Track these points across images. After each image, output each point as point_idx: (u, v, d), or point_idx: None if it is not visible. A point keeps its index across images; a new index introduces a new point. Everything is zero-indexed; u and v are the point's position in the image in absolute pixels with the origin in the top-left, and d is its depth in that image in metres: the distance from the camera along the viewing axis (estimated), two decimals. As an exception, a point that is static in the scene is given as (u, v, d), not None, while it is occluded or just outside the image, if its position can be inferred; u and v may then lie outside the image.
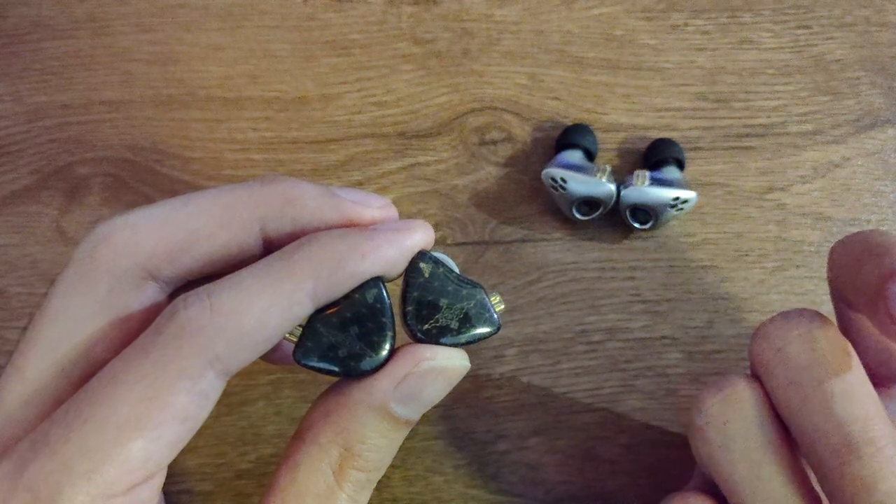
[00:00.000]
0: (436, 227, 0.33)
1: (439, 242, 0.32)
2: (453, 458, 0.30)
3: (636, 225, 0.32)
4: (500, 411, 0.30)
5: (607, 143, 0.34)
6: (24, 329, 0.17)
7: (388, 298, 0.18)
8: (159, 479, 0.17)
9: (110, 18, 0.36)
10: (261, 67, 0.35)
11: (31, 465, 0.15)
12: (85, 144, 0.34)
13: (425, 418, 0.30)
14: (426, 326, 0.19)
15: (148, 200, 0.33)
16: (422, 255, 0.19)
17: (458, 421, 0.30)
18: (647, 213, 0.31)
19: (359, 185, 0.33)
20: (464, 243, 0.33)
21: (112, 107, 0.34)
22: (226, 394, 0.30)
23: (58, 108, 0.34)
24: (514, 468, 0.30)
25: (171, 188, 0.33)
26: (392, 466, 0.29)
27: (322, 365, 0.18)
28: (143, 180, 0.33)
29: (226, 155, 0.34)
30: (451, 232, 0.33)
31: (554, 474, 0.30)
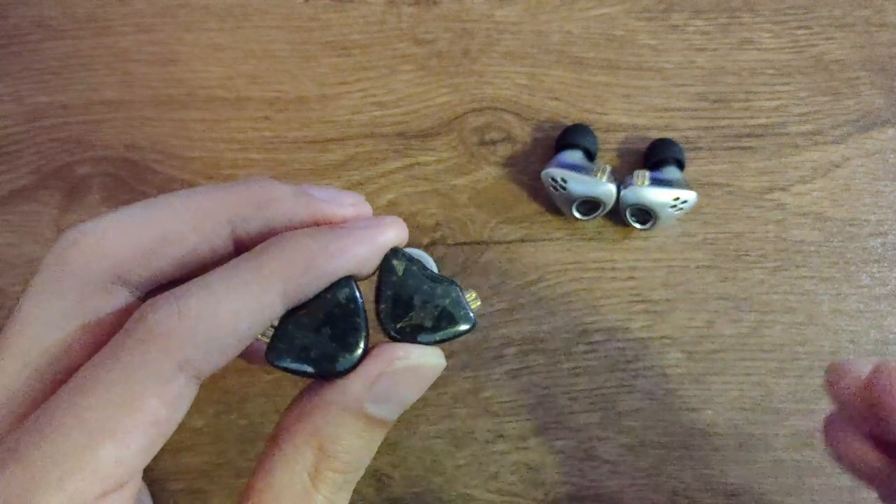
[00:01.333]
0: (436, 226, 0.33)
1: (438, 242, 0.32)
2: (453, 457, 0.30)
3: (636, 225, 0.31)
4: (500, 411, 0.30)
5: (607, 143, 0.34)
6: None
7: (361, 297, 0.18)
8: (133, 487, 0.16)
9: (111, 19, 0.36)
10: (261, 68, 0.35)
11: (3, 473, 0.15)
12: (84, 144, 0.34)
13: (425, 418, 0.29)
14: (400, 325, 0.19)
15: (148, 200, 0.33)
16: (395, 253, 0.19)
17: (458, 421, 0.30)
18: (647, 213, 0.31)
19: (358, 185, 0.33)
20: (464, 243, 0.32)
21: (112, 107, 0.34)
22: (225, 392, 0.30)
23: (58, 107, 0.34)
24: (514, 468, 0.30)
25: (170, 188, 0.33)
26: (392, 466, 0.29)
27: (295, 366, 0.18)
28: (142, 180, 0.33)
29: (225, 155, 0.34)
30: (451, 232, 0.33)
31: (553, 474, 0.30)
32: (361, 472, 0.19)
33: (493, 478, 0.29)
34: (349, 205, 0.20)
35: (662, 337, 0.31)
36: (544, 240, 0.33)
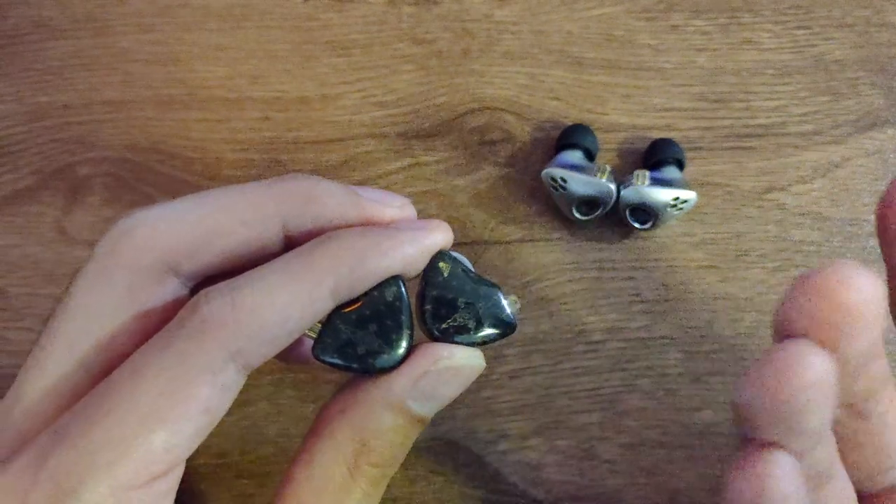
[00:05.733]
0: (436, 227, 0.33)
1: (439, 242, 0.33)
2: (454, 457, 0.30)
3: (636, 225, 0.32)
4: (501, 411, 0.30)
5: (607, 143, 0.34)
6: (45, 322, 0.18)
7: (407, 297, 0.19)
8: (178, 473, 0.17)
9: (111, 18, 0.36)
10: (261, 68, 0.35)
11: (52, 457, 0.15)
12: (86, 144, 0.34)
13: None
14: (444, 325, 0.19)
15: (150, 200, 0.33)
16: (441, 255, 0.19)
17: (458, 421, 0.30)
18: (647, 213, 0.31)
19: (358, 185, 0.33)
20: (464, 243, 0.33)
21: (113, 107, 0.34)
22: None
23: (58, 108, 0.34)
24: (515, 468, 0.30)
25: (172, 188, 0.33)
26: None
27: (340, 361, 0.18)
28: (143, 180, 0.33)
29: (226, 155, 0.34)
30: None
31: (554, 474, 0.30)
32: (396, 468, 0.19)
33: (494, 478, 0.30)
34: (396, 206, 0.20)
35: (662, 337, 0.31)
36: (544, 240, 0.33)
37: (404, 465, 0.29)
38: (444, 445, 0.30)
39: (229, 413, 0.30)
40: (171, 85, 0.35)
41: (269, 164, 0.34)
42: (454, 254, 0.20)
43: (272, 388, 0.30)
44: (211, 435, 0.30)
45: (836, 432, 0.17)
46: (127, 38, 0.35)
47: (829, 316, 0.14)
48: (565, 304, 0.32)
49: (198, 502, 0.29)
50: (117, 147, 0.34)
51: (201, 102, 0.34)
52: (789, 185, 0.33)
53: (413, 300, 0.19)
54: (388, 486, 0.30)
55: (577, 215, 0.32)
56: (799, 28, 0.36)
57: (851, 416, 0.17)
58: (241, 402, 0.30)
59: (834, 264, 0.14)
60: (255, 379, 0.30)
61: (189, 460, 0.29)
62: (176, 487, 0.17)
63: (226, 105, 0.34)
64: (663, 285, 0.32)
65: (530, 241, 0.33)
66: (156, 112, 0.34)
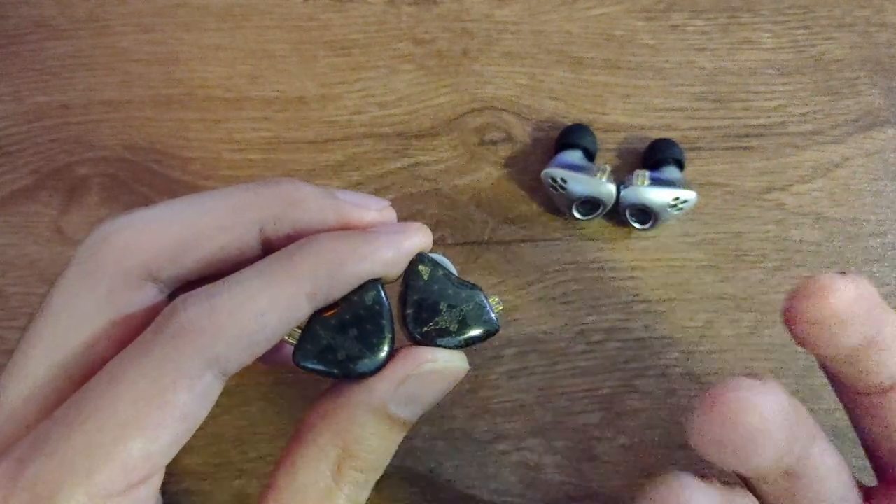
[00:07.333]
0: (435, 227, 0.33)
1: (438, 242, 0.32)
2: (452, 458, 0.30)
3: (636, 225, 0.31)
4: (500, 412, 0.30)
5: (607, 143, 0.34)
6: (26, 327, 0.17)
7: (387, 300, 0.18)
8: (157, 479, 0.17)
9: (110, 18, 0.36)
10: (260, 68, 0.35)
11: (31, 465, 0.15)
12: (84, 144, 0.34)
13: (425, 419, 0.29)
14: (425, 329, 0.19)
15: (147, 200, 0.33)
16: (421, 258, 0.19)
17: (457, 421, 0.30)
18: (647, 213, 0.31)
19: (358, 185, 0.33)
20: (464, 243, 0.32)
21: (111, 107, 0.34)
22: (225, 393, 0.30)
23: (57, 108, 0.34)
24: (513, 469, 0.30)
25: (169, 188, 0.33)
26: (391, 466, 0.29)
27: (320, 367, 0.18)
28: (141, 180, 0.33)
29: (224, 155, 0.34)
30: (451, 232, 0.33)
31: (552, 475, 0.30)
32: (381, 473, 0.19)
33: (493, 478, 0.30)
34: (375, 209, 0.20)
35: (662, 337, 0.31)
36: (544, 240, 0.33)
37: (403, 466, 0.29)
38: (442, 446, 0.30)
39: (228, 413, 0.30)
40: (170, 85, 0.35)
41: (267, 165, 0.34)
42: (435, 256, 0.19)
43: (270, 388, 0.30)
44: (209, 435, 0.30)
45: (772, 495, 0.18)
46: (126, 38, 0.35)
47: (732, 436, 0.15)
48: (565, 304, 0.32)
49: (196, 502, 0.29)
50: (115, 147, 0.34)
51: (200, 102, 0.34)
52: (789, 185, 0.33)
53: (394, 304, 0.19)
54: (388, 487, 0.30)
55: (577, 215, 0.32)
56: (799, 28, 0.36)
57: (786, 478, 0.17)
58: (239, 402, 0.30)
59: (732, 384, 0.15)
60: (254, 379, 0.30)
61: (187, 460, 0.29)
62: (156, 493, 0.17)
63: (224, 105, 0.34)
64: (663, 285, 0.32)
65: (530, 241, 0.33)
66: (154, 112, 0.34)
